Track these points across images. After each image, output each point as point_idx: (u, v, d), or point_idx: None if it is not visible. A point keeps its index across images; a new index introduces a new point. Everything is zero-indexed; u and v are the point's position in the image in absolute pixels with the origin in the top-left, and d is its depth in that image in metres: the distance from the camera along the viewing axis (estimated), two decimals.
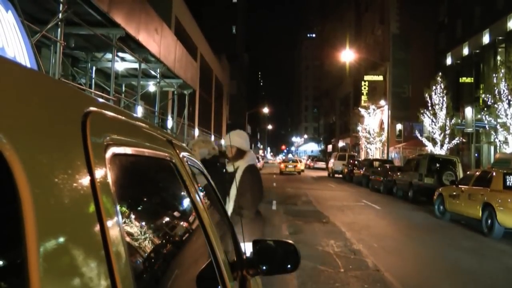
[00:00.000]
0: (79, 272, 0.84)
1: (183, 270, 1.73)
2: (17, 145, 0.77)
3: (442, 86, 34.72)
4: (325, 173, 54.02)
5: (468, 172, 19.37)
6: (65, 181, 0.88)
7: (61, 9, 11.59)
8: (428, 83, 35.99)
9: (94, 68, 19.64)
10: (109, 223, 0.98)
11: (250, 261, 2.59)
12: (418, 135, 37.01)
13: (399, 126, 48.80)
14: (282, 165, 54.52)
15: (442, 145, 34.53)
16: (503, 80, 24.73)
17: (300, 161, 60.64)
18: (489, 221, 14.17)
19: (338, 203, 21.77)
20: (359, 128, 54.81)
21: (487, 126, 28.56)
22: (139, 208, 1.47)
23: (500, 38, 31.80)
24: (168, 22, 27.67)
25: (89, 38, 16.11)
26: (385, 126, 44.14)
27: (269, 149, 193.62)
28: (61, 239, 0.82)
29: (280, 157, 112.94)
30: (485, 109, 27.91)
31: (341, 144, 75.94)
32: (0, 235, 0.75)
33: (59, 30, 11.92)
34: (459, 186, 17.00)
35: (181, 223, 1.93)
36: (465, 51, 37.62)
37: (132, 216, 1.29)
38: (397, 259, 10.75)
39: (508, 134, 25.16)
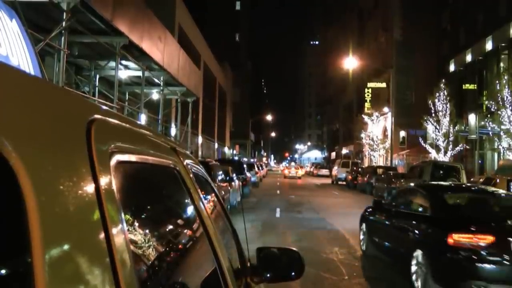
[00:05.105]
0: (85, 280, 0.84)
1: (187, 278, 1.73)
2: (22, 152, 0.78)
3: (446, 93, 34.74)
4: (328, 180, 53.97)
5: (472, 179, 19.35)
6: (70, 188, 0.88)
7: (64, 17, 11.64)
8: (431, 90, 36.02)
9: (97, 76, 19.72)
10: (114, 231, 0.99)
11: (254, 268, 2.59)
12: (422, 142, 36.95)
13: (402, 133, 48.74)
14: (286, 171, 63.84)
15: (445, 152, 34.51)
16: (506, 86, 24.74)
17: (301, 167, 75.22)
18: None
19: (342, 210, 21.72)
20: (363, 135, 54.81)
21: (490, 133, 28.55)
22: (144, 216, 1.47)
23: (503, 45, 31.81)
24: (171, 30, 27.77)
25: (92, 46, 16.18)
26: (389, 133, 44.07)
27: (272, 156, 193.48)
28: (67, 247, 0.82)
29: (284, 165, 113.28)
30: (489, 115, 27.91)
31: (344, 151, 75.86)
32: (6, 242, 0.75)
33: (62, 38, 11.98)
34: None
35: (185, 230, 1.93)
36: (468, 58, 37.64)
37: (137, 224, 1.29)
38: None
39: (511, 140, 25.13)
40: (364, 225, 11.76)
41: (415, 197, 9.94)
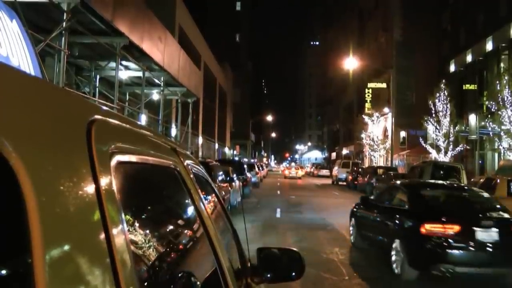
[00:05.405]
0: (85, 280, 0.84)
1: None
2: (22, 152, 0.78)
3: (446, 93, 34.72)
4: (329, 181, 53.96)
5: (472, 179, 19.35)
6: (71, 189, 0.88)
7: (65, 18, 11.64)
8: (431, 90, 36.01)
9: (98, 77, 19.70)
10: (114, 231, 0.98)
11: (255, 268, 2.59)
12: (422, 142, 36.93)
13: (403, 134, 48.72)
14: (287, 171, 64.70)
15: (446, 152, 34.48)
16: (507, 87, 24.74)
17: (302, 168, 77.09)
18: None
19: (342, 211, 21.67)
20: (363, 135, 54.75)
21: (491, 133, 28.53)
22: (144, 216, 1.47)
23: (503, 45, 31.78)
24: (171, 30, 27.76)
25: (93, 46, 16.17)
26: (389, 133, 44.04)
27: (273, 157, 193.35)
28: (67, 247, 0.82)
29: (284, 165, 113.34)
30: (489, 116, 27.90)
31: (345, 151, 75.82)
32: (6, 242, 0.75)
33: (63, 39, 11.98)
34: None
35: (186, 231, 1.93)
36: (469, 58, 37.62)
37: (137, 224, 1.29)
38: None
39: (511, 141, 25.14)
40: (353, 220, 12.99)
41: (397, 194, 10.98)
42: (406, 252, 9.06)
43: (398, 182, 13.09)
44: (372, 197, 12.77)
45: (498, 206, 9.99)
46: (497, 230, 8.59)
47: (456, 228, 8.52)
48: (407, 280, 9.13)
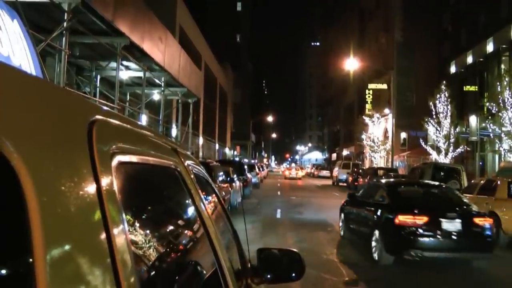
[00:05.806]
0: (86, 280, 0.84)
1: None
2: (23, 153, 0.78)
3: (446, 95, 34.67)
4: (329, 182, 53.96)
5: (472, 181, 19.30)
6: (72, 189, 0.88)
7: (65, 18, 11.64)
8: (432, 91, 35.94)
9: (98, 77, 19.68)
10: (115, 231, 0.98)
11: (255, 269, 2.59)
12: (423, 143, 36.89)
13: (403, 135, 48.69)
14: (287, 172, 65.39)
15: (446, 154, 34.44)
16: (507, 88, 24.71)
17: (302, 169, 78.32)
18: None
19: None
20: (364, 136, 54.69)
21: (491, 135, 28.50)
22: (145, 216, 1.47)
23: (504, 46, 31.71)
24: (172, 30, 27.75)
25: (93, 46, 16.16)
26: (390, 134, 43.97)
27: (273, 157, 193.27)
28: (68, 247, 0.82)
29: (284, 166, 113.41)
30: (490, 117, 27.87)
31: (345, 152, 75.73)
32: (7, 242, 0.75)
33: (64, 39, 11.96)
34: (464, 194, 16.91)
35: (186, 231, 1.93)
36: (469, 60, 37.55)
37: (138, 224, 1.29)
38: (401, 266, 10.70)
39: None
40: (342, 215, 14.34)
41: (378, 191, 12.36)
42: (383, 240, 10.41)
43: (382, 181, 14.75)
44: (358, 194, 14.09)
45: (464, 200, 11.55)
46: (460, 221, 10.01)
47: (425, 219, 9.90)
48: (384, 265, 10.35)
